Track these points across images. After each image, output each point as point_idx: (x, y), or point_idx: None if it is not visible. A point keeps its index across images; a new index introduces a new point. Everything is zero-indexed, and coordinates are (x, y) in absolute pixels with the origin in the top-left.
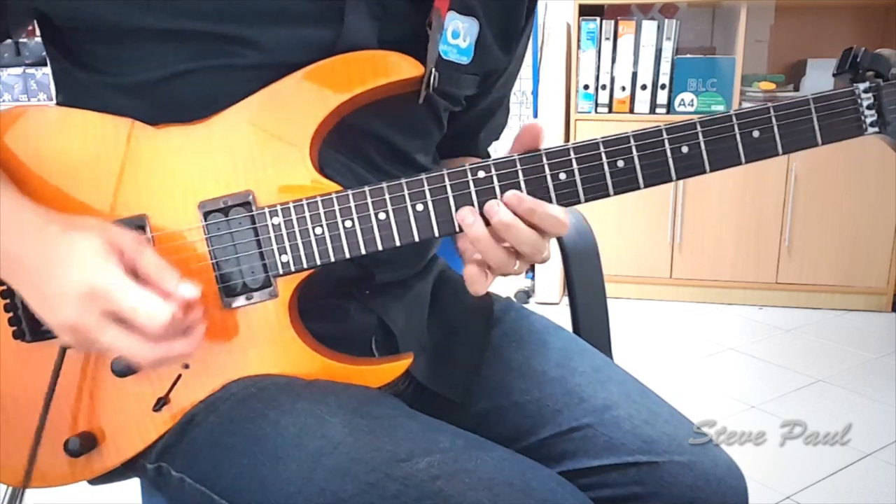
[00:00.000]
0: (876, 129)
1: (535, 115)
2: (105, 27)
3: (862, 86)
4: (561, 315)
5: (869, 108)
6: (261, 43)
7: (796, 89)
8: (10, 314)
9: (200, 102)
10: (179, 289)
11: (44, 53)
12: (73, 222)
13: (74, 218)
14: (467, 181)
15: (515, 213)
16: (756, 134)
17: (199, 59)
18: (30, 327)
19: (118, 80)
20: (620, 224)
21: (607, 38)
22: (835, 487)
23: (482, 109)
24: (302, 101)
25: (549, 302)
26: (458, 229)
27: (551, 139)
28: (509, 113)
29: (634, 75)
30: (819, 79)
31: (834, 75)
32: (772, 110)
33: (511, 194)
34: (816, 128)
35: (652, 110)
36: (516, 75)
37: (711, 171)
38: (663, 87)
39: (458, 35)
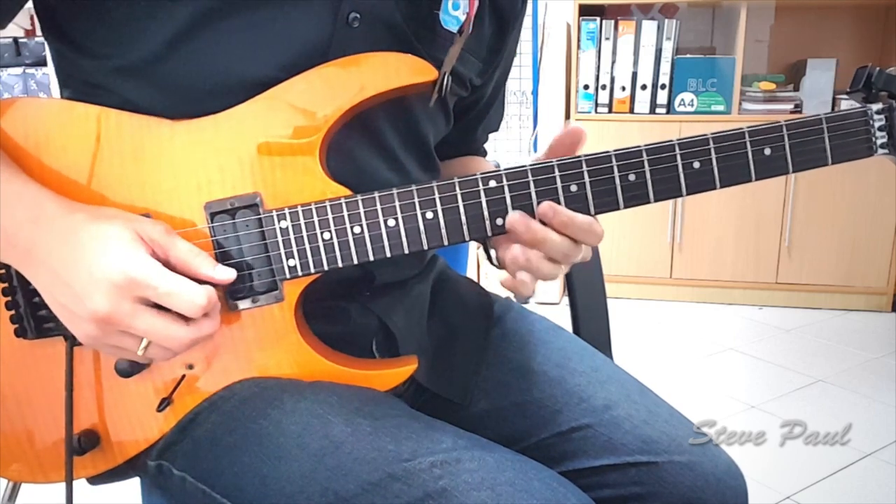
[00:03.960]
0: (886, 151)
1: (535, 115)
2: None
3: (875, 107)
4: (561, 315)
5: (881, 129)
6: (253, 9)
7: (796, 89)
8: (12, 312)
9: (205, 82)
10: (216, 271)
11: (44, 53)
12: (99, 212)
13: (99, 208)
14: (478, 190)
15: (550, 225)
16: (767, 152)
17: (191, 24)
18: (32, 325)
19: (117, 63)
20: (620, 224)
21: (607, 38)
22: (835, 487)
23: (480, 106)
24: (312, 101)
25: (549, 302)
26: (467, 238)
27: (550, 139)
28: (504, 108)
29: (634, 75)
30: (819, 79)
31: (847, 93)
32: (784, 128)
33: (546, 206)
34: (827, 147)
35: (652, 110)
36: (510, 68)
37: (721, 187)
38: (663, 87)
39: (458, 7)
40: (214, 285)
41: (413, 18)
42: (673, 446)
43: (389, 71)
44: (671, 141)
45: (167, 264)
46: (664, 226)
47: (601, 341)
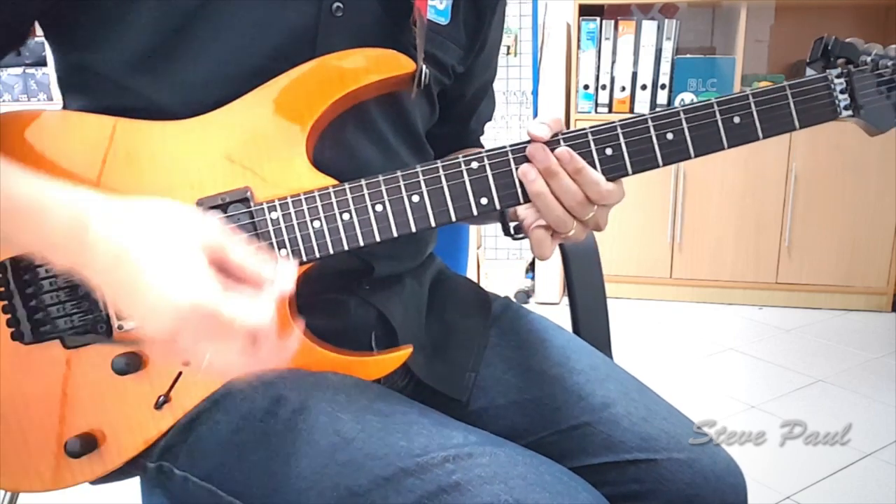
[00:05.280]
0: (850, 113)
1: (535, 115)
2: None
3: (834, 72)
4: (561, 315)
5: (842, 92)
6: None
7: None
8: (9, 315)
9: (201, 70)
10: (279, 272)
11: (44, 53)
12: (147, 223)
13: (145, 213)
14: (461, 171)
15: (565, 169)
16: (737, 120)
17: (184, 13)
18: (28, 328)
19: (122, 57)
20: (620, 224)
21: (607, 38)
22: (835, 487)
23: (469, 100)
24: (295, 98)
25: (549, 302)
26: (453, 218)
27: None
28: (495, 101)
29: (634, 75)
30: None
31: (807, 64)
32: (751, 97)
33: (564, 150)
34: (793, 112)
35: (652, 110)
36: (496, 57)
37: (696, 156)
38: (663, 87)
39: None
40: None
41: (395, 8)
42: (672, 444)
43: (369, 66)
44: (644, 115)
45: (225, 266)
46: (664, 226)
47: (601, 341)
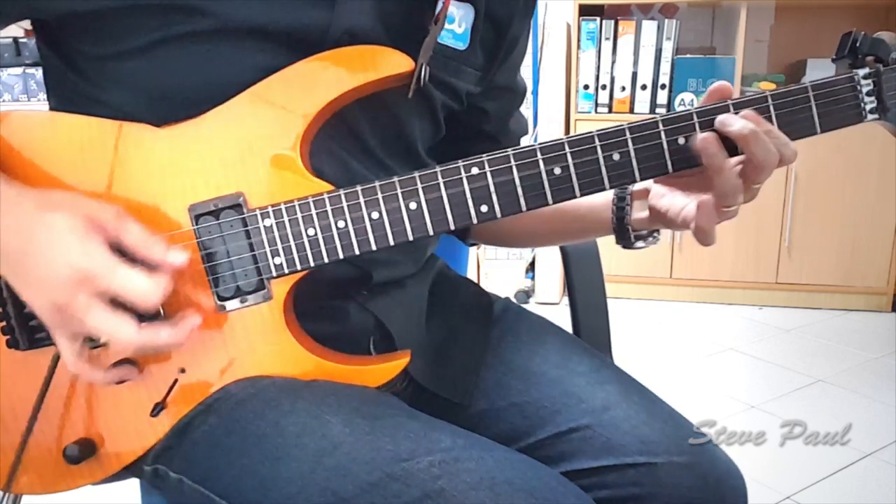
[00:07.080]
0: (876, 116)
1: (535, 115)
2: (65, 14)
3: (861, 72)
4: (561, 315)
5: (868, 94)
6: (228, 12)
7: None
8: (4, 323)
9: (189, 86)
10: (169, 256)
11: None
12: (47, 200)
13: (47, 194)
14: (461, 178)
15: (752, 138)
16: None
17: (165, 29)
18: (24, 336)
19: (103, 66)
20: None
21: (607, 38)
22: (835, 487)
23: (495, 116)
24: (291, 98)
25: (549, 302)
26: (452, 226)
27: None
28: (526, 121)
29: (634, 75)
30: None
31: (833, 60)
32: (769, 99)
33: (749, 112)
34: (815, 115)
35: (652, 110)
36: (517, 72)
37: None
38: (663, 87)
39: (452, 20)
40: (197, 288)
41: (402, 37)
42: (672, 447)
43: (366, 63)
44: (655, 117)
45: (120, 248)
46: None
47: (601, 341)
